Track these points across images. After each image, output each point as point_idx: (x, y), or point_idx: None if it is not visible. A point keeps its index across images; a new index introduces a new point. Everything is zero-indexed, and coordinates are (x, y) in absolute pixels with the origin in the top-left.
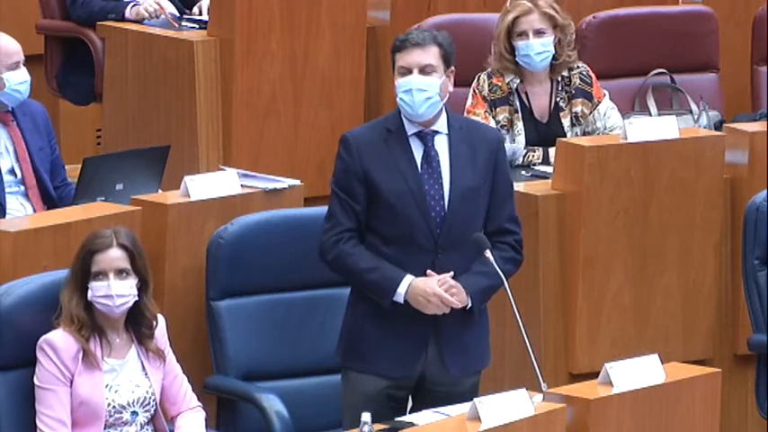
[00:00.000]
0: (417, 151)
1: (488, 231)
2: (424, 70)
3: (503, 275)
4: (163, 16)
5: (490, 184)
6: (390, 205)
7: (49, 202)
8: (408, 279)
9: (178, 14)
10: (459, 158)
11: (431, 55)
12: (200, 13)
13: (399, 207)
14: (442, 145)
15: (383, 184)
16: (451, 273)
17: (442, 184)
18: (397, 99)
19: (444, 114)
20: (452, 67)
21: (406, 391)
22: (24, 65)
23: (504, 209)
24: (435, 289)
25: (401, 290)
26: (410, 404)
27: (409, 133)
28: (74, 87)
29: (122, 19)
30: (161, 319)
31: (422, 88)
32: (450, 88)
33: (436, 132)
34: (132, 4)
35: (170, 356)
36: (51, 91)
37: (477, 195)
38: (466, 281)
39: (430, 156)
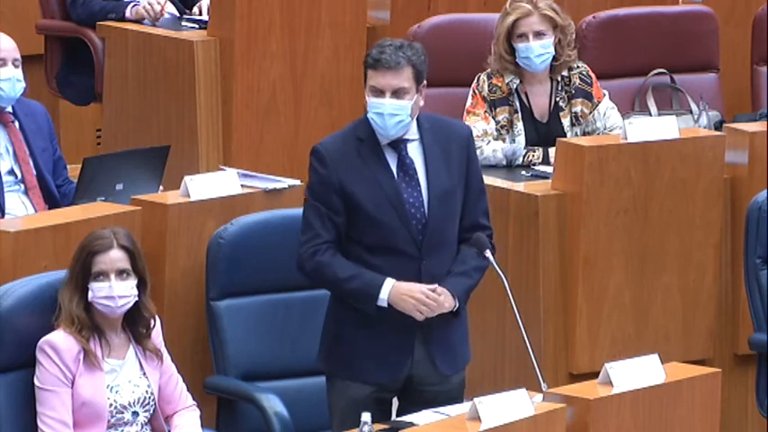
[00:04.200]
0: (392, 160)
1: (463, 227)
2: (397, 93)
3: (479, 272)
4: (163, 18)
5: (465, 181)
6: (370, 215)
7: (52, 201)
8: (390, 282)
9: (178, 14)
10: (434, 162)
11: (404, 78)
12: (201, 13)
13: (379, 216)
14: (415, 151)
15: (361, 194)
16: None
17: (420, 190)
18: (368, 115)
19: (414, 121)
20: (424, 82)
21: (392, 394)
22: (16, 64)
23: (479, 203)
24: (421, 287)
25: (383, 294)
26: (396, 404)
27: (382, 144)
28: (74, 87)
29: (122, 19)
30: (156, 318)
31: (394, 113)
32: (421, 103)
33: (408, 140)
34: (132, 4)
35: (166, 356)
36: (51, 91)
37: (453, 196)
38: (449, 283)
39: (405, 164)
